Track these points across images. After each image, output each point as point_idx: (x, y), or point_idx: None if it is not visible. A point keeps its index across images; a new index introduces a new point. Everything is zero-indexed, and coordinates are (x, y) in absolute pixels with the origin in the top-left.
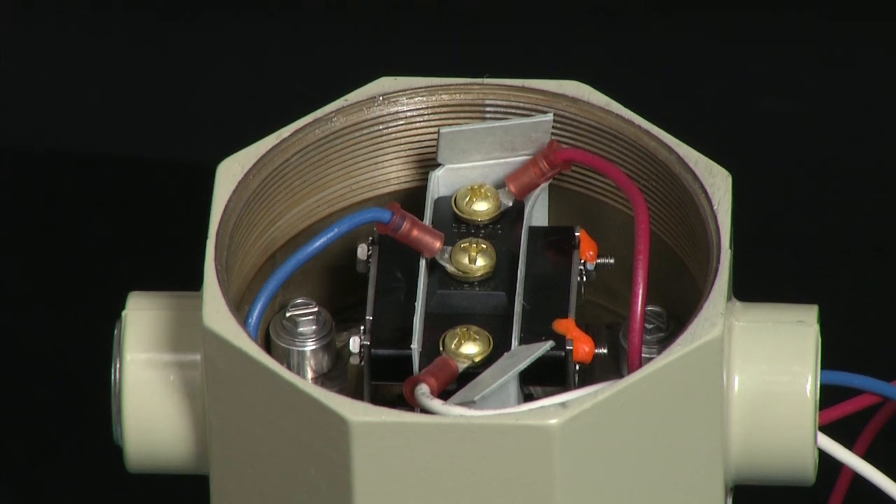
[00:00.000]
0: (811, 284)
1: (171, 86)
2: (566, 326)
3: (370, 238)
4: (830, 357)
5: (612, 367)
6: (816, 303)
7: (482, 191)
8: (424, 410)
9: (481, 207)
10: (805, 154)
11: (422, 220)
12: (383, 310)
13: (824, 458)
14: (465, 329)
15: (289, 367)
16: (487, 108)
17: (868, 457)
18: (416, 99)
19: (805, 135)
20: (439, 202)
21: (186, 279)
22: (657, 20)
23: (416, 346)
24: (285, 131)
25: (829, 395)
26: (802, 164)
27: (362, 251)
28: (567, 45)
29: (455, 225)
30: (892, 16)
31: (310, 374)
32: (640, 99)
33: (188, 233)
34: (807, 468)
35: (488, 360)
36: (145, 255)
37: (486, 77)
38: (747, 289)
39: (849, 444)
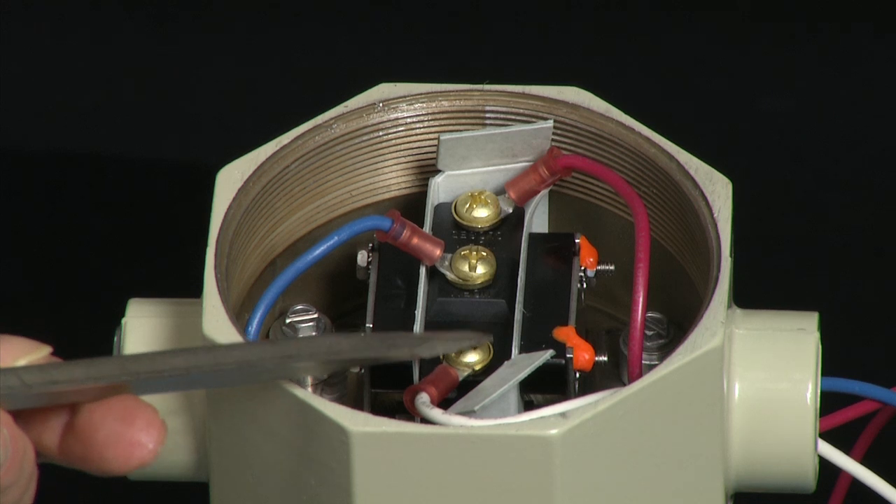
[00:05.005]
0: (810, 286)
1: (170, 86)
2: (566, 334)
3: (370, 245)
4: (830, 362)
5: (612, 373)
6: (814, 304)
7: (482, 197)
8: (425, 420)
9: (481, 214)
10: (805, 154)
11: (422, 226)
12: (383, 317)
13: (823, 463)
14: None
15: None
16: (488, 115)
17: (866, 460)
18: (416, 105)
19: (805, 135)
20: (439, 208)
21: (186, 279)
22: (657, 20)
23: None
24: (285, 138)
25: (829, 402)
26: (802, 164)
27: (362, 258)
28: (567, 45)
29: (455, 231)
30: (892, 16)
31: (309, 381)
32: (639, 99)
33: (188, 233)
34: (807, 475)
35: (488, 369)
36: (145, 256)
37: (487, 83)
38: (746, 290)
39: (847, 448)
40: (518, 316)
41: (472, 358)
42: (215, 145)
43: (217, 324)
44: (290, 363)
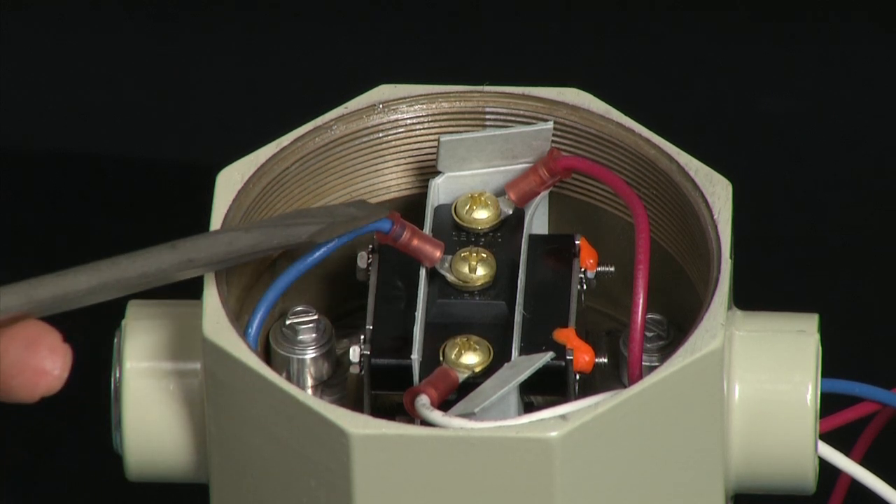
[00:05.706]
0: (810, 286)
1: (170, 86)
2: (566, 336)
3: (370, 246)
4: (830, 363)
5: (612, 374)
6: (814, 304)
7: (482, 199)
8: (425, 422)
9: (481, 215)
10: (805, 154)
11: (422, 228)
12: (383, 319)
13: (823, 464)
14: (465, 339)
15: (288, 375)
16: (488, 116)
17: (866, 462)
18: (416, 107)
19: (805, 135)
20: (439, 210)
21: (185, 281)
22: (657, 20)
23: (416, 355)
24: (285, 140)
25: (829, 403)
26: (802, 164)
27: (362, 259)
28: (567, 45)
29: (455, 233)
30: (892, 16)
31: (310, 382)
32: (639, 99)
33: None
34: (807, 477)
35: (488, 370)
36: None
37: (487, 84)
38: (746, 291)
39: (847, 449)
40: (518, 318)
41: (472, 359)
42: (215, 145)
43: (217, 325)
44: (192, 266)
